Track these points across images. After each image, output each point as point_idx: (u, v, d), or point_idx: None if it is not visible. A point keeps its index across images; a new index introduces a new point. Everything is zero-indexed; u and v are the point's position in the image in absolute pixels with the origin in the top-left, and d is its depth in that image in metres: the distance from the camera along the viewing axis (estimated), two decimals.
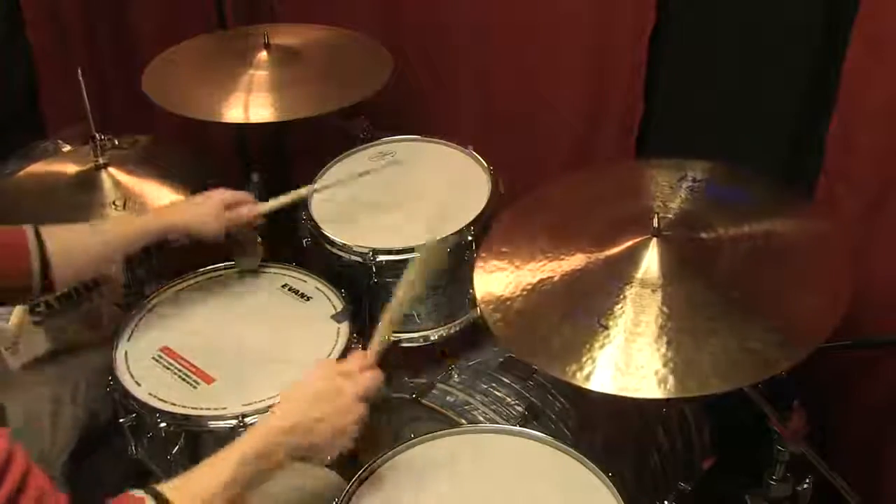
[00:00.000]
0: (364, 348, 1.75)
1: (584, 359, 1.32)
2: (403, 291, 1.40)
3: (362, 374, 1.33)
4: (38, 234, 1.54)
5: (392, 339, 1.44)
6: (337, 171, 2.07)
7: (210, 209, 1.72)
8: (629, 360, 1.30)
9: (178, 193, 1.91)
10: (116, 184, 1.90)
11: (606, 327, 1.35)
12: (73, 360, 1.84)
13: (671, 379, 1.27)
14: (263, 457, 1.21)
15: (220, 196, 1.74)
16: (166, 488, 1.16)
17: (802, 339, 1.31)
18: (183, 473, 1.21)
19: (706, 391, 1.26)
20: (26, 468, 1.03)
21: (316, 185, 1.99)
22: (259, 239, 1.89)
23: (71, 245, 1.60)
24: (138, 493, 1.14)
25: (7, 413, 1.68)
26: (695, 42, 1.94)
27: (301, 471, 1.59)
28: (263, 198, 2.05)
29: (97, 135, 1.91)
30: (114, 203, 1.85)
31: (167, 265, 2.00)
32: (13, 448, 1.03)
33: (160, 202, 1.89)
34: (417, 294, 1.45)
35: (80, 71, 1.85)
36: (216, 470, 1.19)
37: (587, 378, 1.30)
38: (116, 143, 1.98)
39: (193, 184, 1.94)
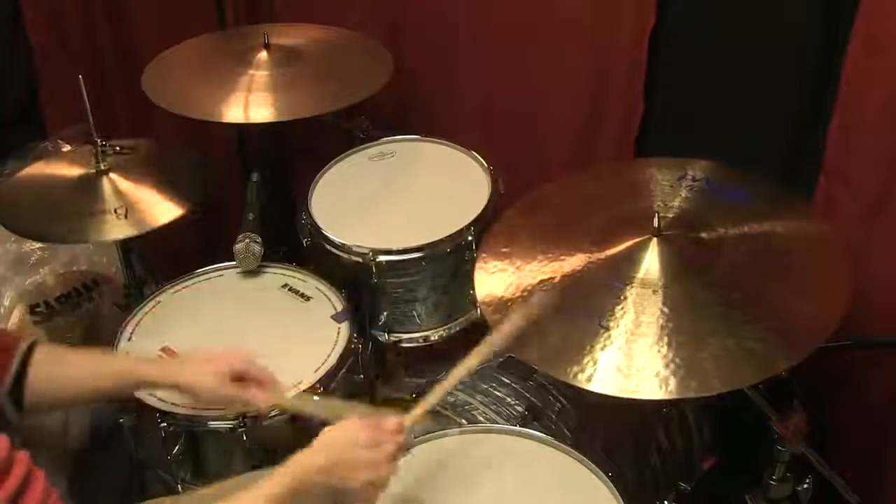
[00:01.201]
0: (363, 349, 1.77)
1: (585, 360, 1.32)
2: (456, 376, 1.38)
3: (398, 436, 1.31)
4: (29, 352, 1.41)
5: (430, 413, 1.41)
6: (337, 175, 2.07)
7: (216, 374, 1.48)
8: (630, 361, 1.30)
9: (178, 201, 1.89)
10: (117, 191, 1.89)
11: (607, 328, 1.35)
12: None
13: (672, 380, 1.27)
14: (297, 493, 1.21)
15: (232, 363, 1.49)
16: None
17: (802, 340, 1.31)
18: None
19: (707, 392, 1.26)
20: (28, 472, 1.03)
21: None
22: (259, 239, 1.89)
23: (55, 372, 1.44)
24: None
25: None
26: (695, 42, 1.94)
27: None
28: (263, 197, 2.06)
29: (98, 140, 1.91)
30: (115, 211, 1.84)
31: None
32: (15, 453, 1.03)
33: (160, 210, 1.88)
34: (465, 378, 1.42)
35: (81, 78, 1.84)
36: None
37: (588, 379, 1.30)
38: (118, 148, 1.97)
39: (194, 191, 1.93)
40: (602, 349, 1.33)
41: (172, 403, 1.61)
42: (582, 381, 1.30)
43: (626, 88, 2.01)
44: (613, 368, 1.30)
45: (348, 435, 1.28)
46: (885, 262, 1.74)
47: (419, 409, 1.36)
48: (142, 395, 1.63)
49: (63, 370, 1.45)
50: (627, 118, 2.04)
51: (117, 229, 1.84)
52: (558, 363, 1.33)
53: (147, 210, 1.87)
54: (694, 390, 1.26)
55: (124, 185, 1.91)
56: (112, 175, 1.93)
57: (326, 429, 1.29)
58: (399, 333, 1.92)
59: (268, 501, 1.19)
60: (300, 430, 1.57)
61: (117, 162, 1.95)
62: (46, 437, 1.69)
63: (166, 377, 1.52)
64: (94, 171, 1.93)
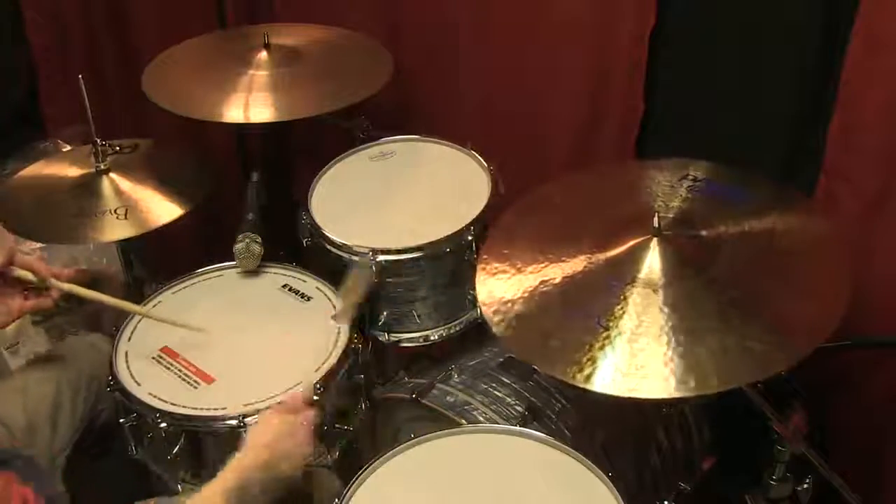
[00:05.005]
0: (363, 349, 1.77)
1: (584, 360, 1.32)
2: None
3: (307, 412, 1.49)
4: None
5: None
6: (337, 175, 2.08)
7: None
8: (630, 360, 1.30)
9: (178, 201, 1.90)
10: (117, 190, 1.89)
11: (606, 328, 1.35)
12: (73, 360, 1.84)
13: (672, 379, 1.27)
14: (244, 490, 1.38)
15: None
16: None
17: (802, 339, 1.31)
18: None
19: (706, 391, 1.26)
20: (24, 499, 1.04)
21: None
22: (259, 239, 1.89)
23: None
24: None
25: (6, 414, 1.68)
26: (695, 42, 1.94)
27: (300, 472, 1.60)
28: (263, 197, 2.06)
29: (98, 140, 1.91)
30: (115, 211, 1.85)
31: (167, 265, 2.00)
32: (9, 476, 1.04)
33: (160, 210, 1.88)
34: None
35: (81, 78, 1.84)
36: None
37: (587, 379, 1.30)
38: (118, 148, 1.97)
39: (194, 191, 1.93)
40: (601, 349, 1.33)
41: (172, 403, 1.61)
42: (581, 382, 1.30)
43: (626, 88, 2.01)
44: (613, 368, 1.30)
45: (276, 429, 1.45)
46: (886, 262, 1.74)
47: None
48: (142, 395, 1.63)
49: None
50: (627, 118, 2.04)
51: (117, 229, 1.85)
52: (558, 364, 1.33)
53: (147, 210, 1.87)
54: (694, 389, 1.26)
55: (125, 184, 1.92)
56: (112, 175, 1.93)
57: (251, 429, 1.48)
58: (399, 333, 1.92)
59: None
60: None
61: (117, 161, 1.95)
62: (35, 437, 1.69)
63: None
64: (94, 170, 1.93)
